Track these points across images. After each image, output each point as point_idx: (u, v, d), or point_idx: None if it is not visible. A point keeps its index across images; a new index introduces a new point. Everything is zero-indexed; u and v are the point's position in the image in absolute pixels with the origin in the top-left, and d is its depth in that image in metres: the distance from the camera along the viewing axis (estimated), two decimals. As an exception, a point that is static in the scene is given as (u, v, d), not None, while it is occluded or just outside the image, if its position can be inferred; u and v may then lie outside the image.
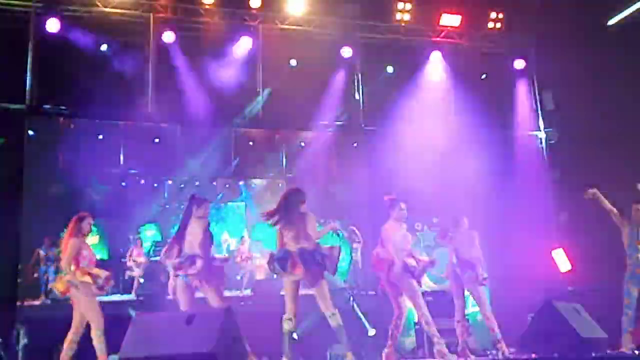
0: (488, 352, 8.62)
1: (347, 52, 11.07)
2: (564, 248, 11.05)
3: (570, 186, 10.33)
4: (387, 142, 11.35)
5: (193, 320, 5.09)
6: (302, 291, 6.58)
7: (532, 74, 11.89)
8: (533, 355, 6.23)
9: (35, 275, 10.45)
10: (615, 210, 7.88)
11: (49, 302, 9.66)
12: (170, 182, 12.99)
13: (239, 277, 12.03)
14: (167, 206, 12.84)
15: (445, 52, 11.46)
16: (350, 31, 11.09)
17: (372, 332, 9.66)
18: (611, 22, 10.97)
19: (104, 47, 10.14)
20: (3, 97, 9.50)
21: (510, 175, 10.98)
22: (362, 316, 9.59)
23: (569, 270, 10.92)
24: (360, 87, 11.31)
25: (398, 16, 11.09)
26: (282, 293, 6.92)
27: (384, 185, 11.30)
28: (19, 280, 9.16)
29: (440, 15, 11.20)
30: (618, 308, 7.75)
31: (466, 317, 7.73)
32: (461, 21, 11.29)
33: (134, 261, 11.29)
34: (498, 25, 11.50)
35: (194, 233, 6.27)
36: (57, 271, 9.00)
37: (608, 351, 6.57)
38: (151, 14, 10.25)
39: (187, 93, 10.17)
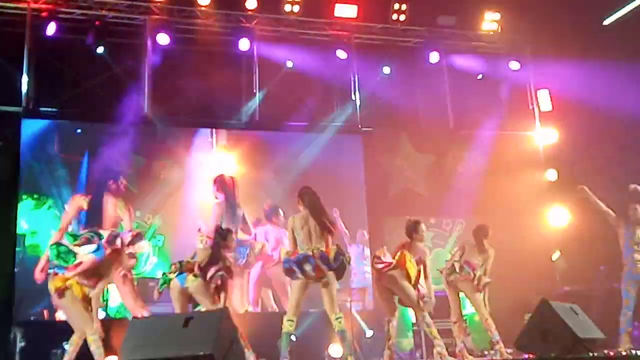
0: (486, 353, 8.63)
1: (343, 53, 11.07)
2: (560, 249, 11.07)
3: (566, 186, 10.35)
4: (384, 143, 11.37)
5: (191, 322, 5.08)
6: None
7: (528, 74, 11.91)
8: (530, 356, 6.24)
9: None
10: (610, 211, 7.90)
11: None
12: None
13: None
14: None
15: (441, 53, 11.47)
16: (346, 32, 11.09)
17: (369, 333, 9.67)
18: (607, 21, 11.00)
19: (100, 50, 10.12)
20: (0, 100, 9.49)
21: (506, 175, 10.98)
22: (358, 317, 9.59)
23: (566, 271, 10.94)
24: (357, 88, 11.32)
25: (394, 17, 11.11)
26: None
27: (381, 186, 11.34)
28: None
29: (436, 15, 11.21)
30: (615, 308, 7.78)
31: (464, 317, 7.75)
32: (457, 22, 11.31)
33: None
34: (494, 25, 11.52)
35: None
36: None
37: (605, 351, 6.58)
38: (147, 16, 10.26)
39: (184, 95, 10.15)
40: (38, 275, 6.96)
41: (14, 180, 9.32)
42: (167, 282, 6.78)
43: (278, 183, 10.57)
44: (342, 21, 10.96)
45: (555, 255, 11.05)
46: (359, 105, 11.27)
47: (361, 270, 10.57)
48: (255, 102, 10.83)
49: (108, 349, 6.56)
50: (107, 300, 8.64)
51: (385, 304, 7.21)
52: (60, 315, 7.75)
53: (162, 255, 10.07)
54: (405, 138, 11.72)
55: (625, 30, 10.61)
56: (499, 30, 11.57)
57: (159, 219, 10.18)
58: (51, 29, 9.74)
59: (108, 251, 6.54)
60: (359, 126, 11.26)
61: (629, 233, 7.81)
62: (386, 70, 11.48)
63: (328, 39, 11.10)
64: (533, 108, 11.88)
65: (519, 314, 8.81)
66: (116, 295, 8.44)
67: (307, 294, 6.53)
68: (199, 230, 7.75)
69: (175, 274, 6.76)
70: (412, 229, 7.24)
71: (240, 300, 9.02)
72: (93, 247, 6.51)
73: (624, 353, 7.22)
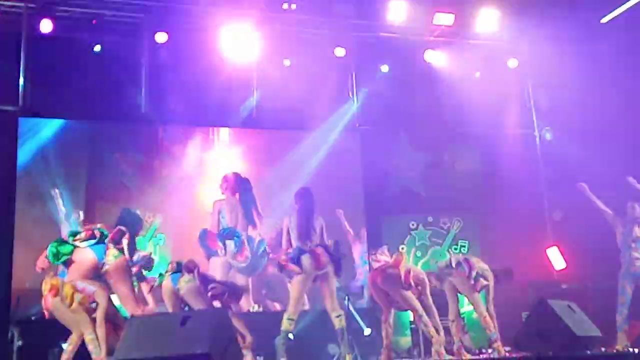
0: (484, 351, 8.64)
1: (340, 51, 11.06)
2: (558, 246, 11.09)
3: (564, 184, 10.36)
4: (381, 141, 11.36)
5: (188, 321, 5.07)
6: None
7: (526, 72, 11.91)
8: (528, 354, 6.24)
9: None
10: (608, 210, 7.91)
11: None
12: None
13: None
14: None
15: (438, 51, 11.46)
16: (343, 30, 11.08)
17: (367, 331, 9.67)
18: (605, 19, 10.99)
19: (97, 48, 10.09)
20: (-4, 98, 9.48)
21: (504, 173, 10.99)
22: (357, 316, 9.60)
23: (564, 269, 10.96)
24: (355, 86, 11.31)
25: (392, 15, 11.10)
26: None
27: (379, 184, 11.35)
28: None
29: (434, 14, 11.20)
30: (612, 306, 7.79)
31: (461, 315, 7.75)
32: (454, 20, 11.30)
33: None
34: (492, 24, 11.51)
35: None
36: None
37: (602, 349, 6.59)
38: (145, 14, 10.23)
39: (181, 93, 10.13)
40: (38, 268, 6.87)
41: (10, 180, 9.30)
42: (161, 281, 6.75)
43: (275, 181, 10.57)
44: (340, 20, 10.94)
45: (553, 253, 11.06)
46: (357, 104, 11.26)
47: (365, 270, 10.59)
48: (252, 101, 10.83)
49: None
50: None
51: (380, 303, 7.22)
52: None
53: (163, 254, 10.05)
54: (403, 136, 11.72)
55: (623, 29, 10.60)
56: (497, 29, 11.56)
57: (160, 218, 10.16)
58: (48, 27, 9.72)
59: (111, 250, 6.35)
60: (357, 124, 11.25)
61: (627, 231, 7.83)
62: (384, 68, 11.47)
63: (325, 37, 11.08)
64: (531, 107, 11.88)
65: (517, 312, 8.82)
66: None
67: (307, 291, 6.53)
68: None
69: (170, 273, 6.74)
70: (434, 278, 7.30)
71: (246, 299, 9.04)
72: (93, 241, 6.34)
73: (621, 350, 7.23)
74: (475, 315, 7.79)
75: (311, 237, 6.34)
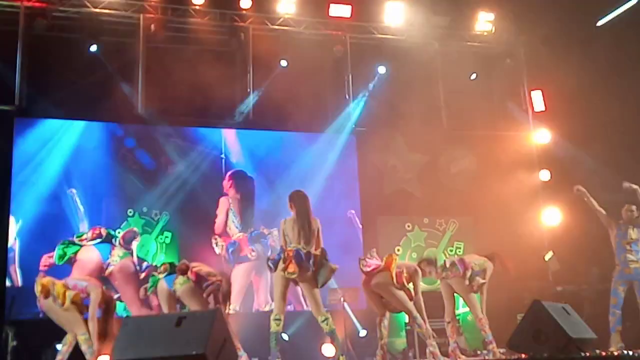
0: (479, 353, 8.65)
1: (337, 52, 11.07)
2: (553, 249, 11.10)
3: (560, 186, 10.38)
4: (377, 142, 11.37)
5: (183, 322, 5.07)
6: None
7: (521, 74, 11.94)
8: (522, 356, 6.25)
9: None
10: (602, 210, 7.92)
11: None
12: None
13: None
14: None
15: (435, 53, 11.48)
16: (340, 31, 11.09)
17: (363, 332, 9.67)
18: (601, 22, 11.03)
19: (93, 48, 10.09)
20: (-8, 98, 9.47)
21: (499, 175, 11.00)
22: (353, 317, 9.60)
23: (558, 271, 10.97)
24: (351, 87, 11.32)
25: (388, 17, 11.12)
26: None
27: (375, 186, 11.35)
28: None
29: (430, 15, 11.22)
30: (607, 308, 7.80)
31: (457, 317, 7.76)
32: (451, 22, 11.32)
33: None
34: (488, 25, 11.53)
35: None
36: None
37: (597, 351, 6.60)
38: (141, 15, 10.23)
39: (177, 93, 10.13)
40: (42, 267, 6.88)
41: (6, 179, 9.28)
42: (155, 283, 6.75)
43: (272, 182, 10.59)
44: (337, 21, 10.96)
45: (548, 256, 11.08)
46: (355, 106, 11.28)
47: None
48: (249, 102, 10.83)
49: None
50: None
51: (374, 305, 7.21)
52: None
53: (170, 252, 10.06)
54: (399, 138, 11.73)
55: (618, 31, 10.63)
56: (493, 31, 11.59)
57: (167, 215, 10.16)
58: (44, 27, 9.70)
59: (117, 250, 6.34)
60: (353, 126, 11.27)
61: (621, 233, 7.83)
62: (381, 70, 11.49)
63: (323, 38, 11.09)
64: (526, 108, 11.90)
65: (511, 313, 8.83)
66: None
67: (290, 288, 6.49)
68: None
69: (164, 275, 6.74)
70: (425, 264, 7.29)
71: (265, 297, 9.07)
72: (99, 240, 6.37)
73: (615, 352, 7.24)
74: (470, 317, 7.79)
75: (308, 238, 6.32)
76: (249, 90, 10.83)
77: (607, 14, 10.88)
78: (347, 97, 11.28)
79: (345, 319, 9.21)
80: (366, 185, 11.10)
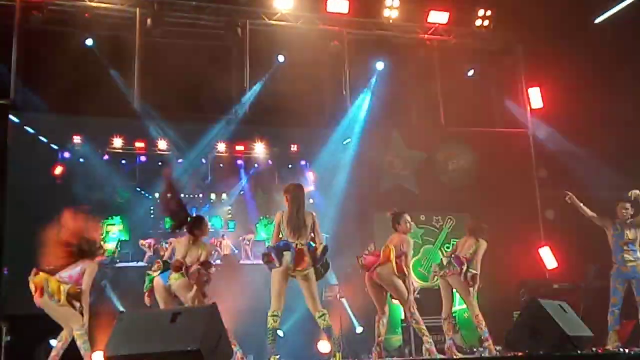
0: (475, 350, 8.64)
1: (335, 48, 11.02)
2: (550, 246, 11.10)
3: (556, 184, 10.36)
4: (375, 139, 11.34)
5: (178, 318, 5.04)
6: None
7: (519, 71, 11.91)
8: (519, 353, 6.23)
9: None
10: (595, 215, 7.89)
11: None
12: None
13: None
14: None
15: (433, 49, 11.45)
16: (337, 27, 11.05)
17: (359, 329, 9.66)
18: (599, 19, 11.00)
19: (89, 42, 10.02)
20: (-13, 92, 9.41)
21: (497, 172, 10.99)
22: (350, 313, 9.59)
23: (555, 268, 10.97)
24: (349, 83, 11.28)
25: (386, 13, 11.08)
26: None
27: (372, 182, 11.33)
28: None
29: (428, 12, 11.19)
30: (603, 306, 7.78)
31: (453, 314, 7.74)
32: (449, 18, 11.29)
33: None
34: (486, 22, 11.50)
35: None
36: None
37: (593, 349, 6.59)
38: (137, 9, 10.17)
39: (174, 89, 10.08)
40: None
41: (1, 174, 9.23)
42: (151, 281, 6.75)
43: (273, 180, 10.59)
44: (334, 16, 10.92)
45: (545, 253, 11.08)
46: (350, 101, 11.25)
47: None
48: (246, 97, 10.79)
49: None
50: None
51: (376, 300, 7.18)
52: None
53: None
54: (397, 134, 11.71)
55: (616, 28, 10.61)
56: (491, 28, 11.55)
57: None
58: (39, 20, 9.63)
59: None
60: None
61: (618, 234, 7.80)
62: (379, 66, 11.45)
63: (320, 33, 11.05)
64: (524, 105, 11.88)
65: (508, 311, 8.82)
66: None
67: (288, 285, 6.45)
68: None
69: (159, 273, 6.72)
70: (395, 221, 7.22)
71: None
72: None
73: (612, 350, 7.22)
74: (466, 314, 7.77)
75: (301, 231, 6.28)
76: (245, 85, 10.78)
77: (605, 11, 10.85)
78: (344, 92, 11.23)
79: (341, 315, 9.20)
80: (363, 181, 11.07)
